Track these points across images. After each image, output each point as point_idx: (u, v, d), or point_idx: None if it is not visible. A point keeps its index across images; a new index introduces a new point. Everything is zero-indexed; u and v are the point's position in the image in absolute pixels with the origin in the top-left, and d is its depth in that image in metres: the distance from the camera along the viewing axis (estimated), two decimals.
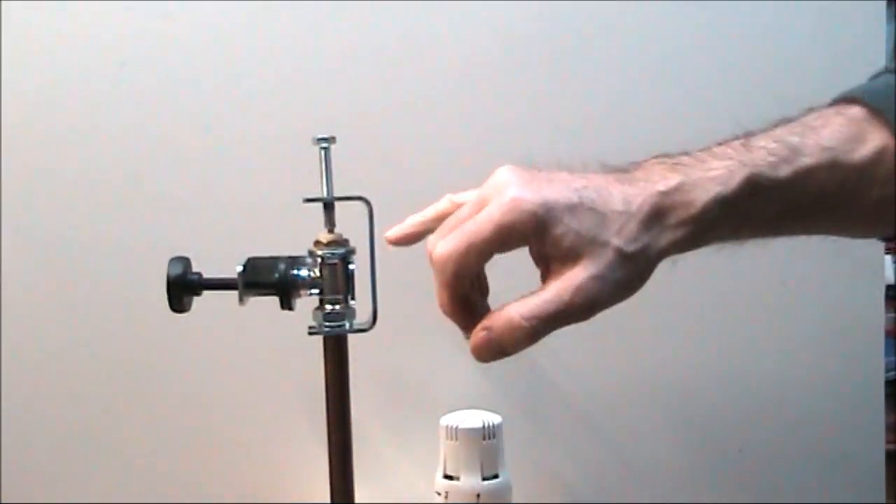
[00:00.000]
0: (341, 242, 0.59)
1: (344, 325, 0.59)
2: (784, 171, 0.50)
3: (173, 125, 0.86)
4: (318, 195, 0.59)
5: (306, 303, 0.60)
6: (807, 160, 0.50)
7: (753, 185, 0.50)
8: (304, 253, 0.59)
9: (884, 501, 0.92)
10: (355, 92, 0.86)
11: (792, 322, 0.91)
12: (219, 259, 0.57)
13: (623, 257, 0.49)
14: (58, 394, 0.88)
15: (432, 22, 0.87)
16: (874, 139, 0.50)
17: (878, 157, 0.50)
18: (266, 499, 0.88)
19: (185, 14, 0.85)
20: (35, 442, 0.88)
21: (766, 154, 0.50)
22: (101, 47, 0.86)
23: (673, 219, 0.50)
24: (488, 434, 0.77)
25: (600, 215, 0.49)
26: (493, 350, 0.50)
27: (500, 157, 0.52)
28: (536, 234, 0.49)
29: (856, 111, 0.52)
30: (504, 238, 0.49)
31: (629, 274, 0.50)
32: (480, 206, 0.50)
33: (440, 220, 0.53)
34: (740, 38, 0.88)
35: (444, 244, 0.50)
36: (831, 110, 0.52)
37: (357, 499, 0.62)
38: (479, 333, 0.50)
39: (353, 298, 0.59)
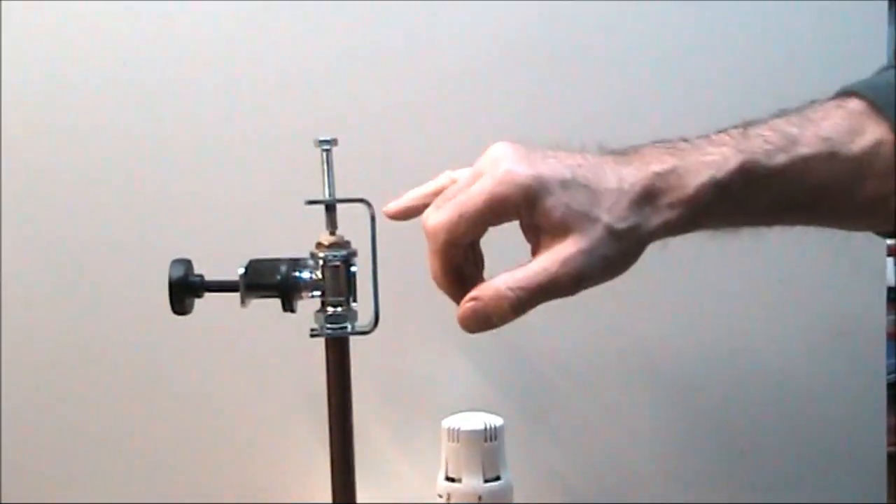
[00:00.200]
0: (343, 244, 0.59)
1: (345, 327, 0.59)
2: (779, 160, 0.50)
3: (175, 126, 0.86)
4: (320, 197, 0.59)
5: (308, 305, 0.60)
6: (803, 150, 0.50)
7: (748, 172, 0.50)
8: (305, 255, 0.59)
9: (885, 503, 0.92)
10: (357, 94, 0.86)
11: (793, 324, 0.91)
12: (220, 261, 0.57)
13: (612, 234, 0.49)
14: (58, 394, 0.88)
15: (434, 23, 0.87)
16: (873, 133, 0.51)
17: (875, 151, 0.50)
18: (268, 500, 0.88)
19: (187, 14, 0.85)
20: (35, 442, 0.88)
21: (763, 142, 0.50)
22: (103, 47, 0.86)
23: (665, 200, 0.50)
24: (490, 436, 0.77)
25: (592, 192, 0.49)
26: (480, 320, 0.51)
27: None
28: (527, 206, 0.49)
29: (855, 104, 0.52)
30: (496, 209, 0.49)
31: (618, 252, 0.50)
32: (475, 179, 0.51)
33: (438, 195, 0.53)
34: (741, 41, 0.88)
35: (437, 214, 0.51)
36: (831, 103, 0.53)
37: (359, 500, 0.62)
38: (466, 304, 0.51)
39: (354, 300, 0.59)
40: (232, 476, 0.89)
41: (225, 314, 0.62)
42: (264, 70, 0.86)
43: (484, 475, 0.77)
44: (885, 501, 0.92)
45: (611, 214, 0.49)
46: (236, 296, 0.57)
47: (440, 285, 0.53)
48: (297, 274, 0.58)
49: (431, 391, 0.88)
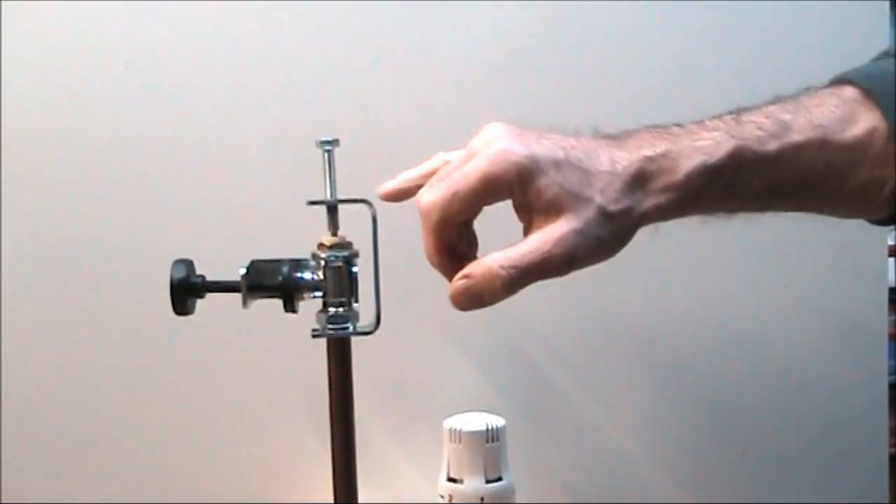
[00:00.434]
0: (345, 245, 0.59)
1: (347, 328, 0.59)
2: (772, 146, 0.50)
3: (177, 127, 0.86)
4: (322, 198, 0.59)
5: (310, 305, 0.59)
6: (796, 137, 0.51)
7: (739, 157, 0.50)
8: (307, 256, 0.59)
9: None
10: (359, 95, 0.86)
11: (794, 325, 0.91)
12: (222, 262, 0.57)
13: (605, 216, 0.49)
14: (59, 394, 0.88)
15: (436, 25, 0.87)
16: (865, 120, 0.51)
17: (868, 139, 0.51)
18: (268, 500, 0.88)
19: (189, 16, 0.85)
20: (35, 442, 0.88)
21: (756, 128, 0.51)
22: (105, 49, 0.85)
23: (657, 184, 0.50)
24: (492, 437, 0.77)
25: (585, 173, 0.50)
26: (471, 298, 0.51)
27: None
28: (521, 185, 0.49)
29: (849, 92, 0.52)
30: (489, 188, 0.50)
31: (609, 233, 0.50)
32: (469, 158, 0.51)
33: (432, 176, 0.54)
34: (741, 41, 0.88)
35: (431, 192, 0.51)
36: (826, 90, 0.53)
37: (360, 501, 0.62)
38: (457, 281, 0.51)
39: (356, 301, 0.59)
40: (233, 476, 0.89)
41: (226, 315, 0.62)
42: (266, 71, 0.86)
43: (486, 476, 0.77)
44: (886, 502, 0.92)
45: (603, 196, 0.49)
46: (238, 296, 0.57)
47: (433, 264, 0.53)
48: (298, 274, 0.58)
49: (433, 392, 0.88)
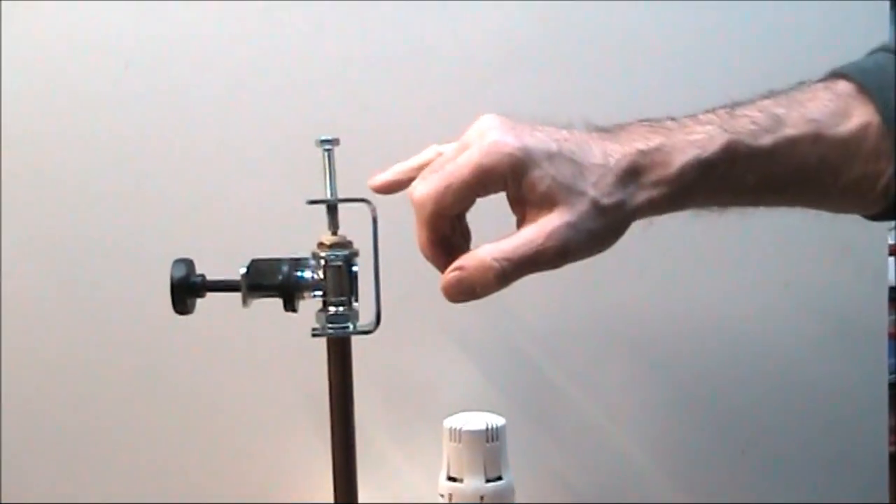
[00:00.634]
0: (345, 244, 0.59)
1: (347, 327, 0.59)
2: (765, 140, 0.50)
3: (176, 126, 0.86)
4: (322, 197, 0.59)
5: (310, 305, 0.59)
6: (789, 131, 0.51)
7: (733, 152, 0.50)
8: (307, 255, 0.59)
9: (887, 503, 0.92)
10: (359, 93, 0.86)
11: (795, 324, 0.91)
12: (222, 261, 0.57)
13: (598, 209, 0.50)
14: (59, 394, 0.88)
15: (436, 23, 0.87)
16: (859, 115, 0.51)
17: (861, 133, 0.51)
18: (268, 500, 0.88)
19: (189, 15, 0.85)
20: (35, 442, 0.88)
21: (749, 122, 0.51)
22: (105, 48, 0.85)
23: (650, 177, 0.50)
24: (492, 436, 0.77)
25: (578, 165, 0.50)
26: (464, 290, 0.51)
27: None
28: (514, 178, 0.49)
29: (843, 86, 0.52)
30: (482, 180, 0.50)
31: (602, 227, 0.50)
32: (462, 150, 0.51)
33: (425, 168, 0.54)
34: (741, 41, 0.88)
35: (424, 185, 0.51)
36: (820, 85, 0.53)
37: (360, 500, 0.62)
38: (450, 273, 0.51)
39: (356, 300, 0.59)
40: (232, 476, 0.89)
41: (226, 314, 0.62)
42: (266, 70, 0.86)
43: (486, 475, 0.77)
44: (886, 501, 0.92)
45: (596, 189, 0.50)
46: (238, 296, 0.57)
47: (427, 256, 0.54)
48: (298, 274, 0.58)
49: (433, 391, 0.88)
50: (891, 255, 1.03)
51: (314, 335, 0.59)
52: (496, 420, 0.78)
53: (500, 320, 0.89)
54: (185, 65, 0.86)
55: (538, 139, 0.50)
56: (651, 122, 0.52)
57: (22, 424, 0.88)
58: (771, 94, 0.53)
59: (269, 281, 0.58)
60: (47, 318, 0.87)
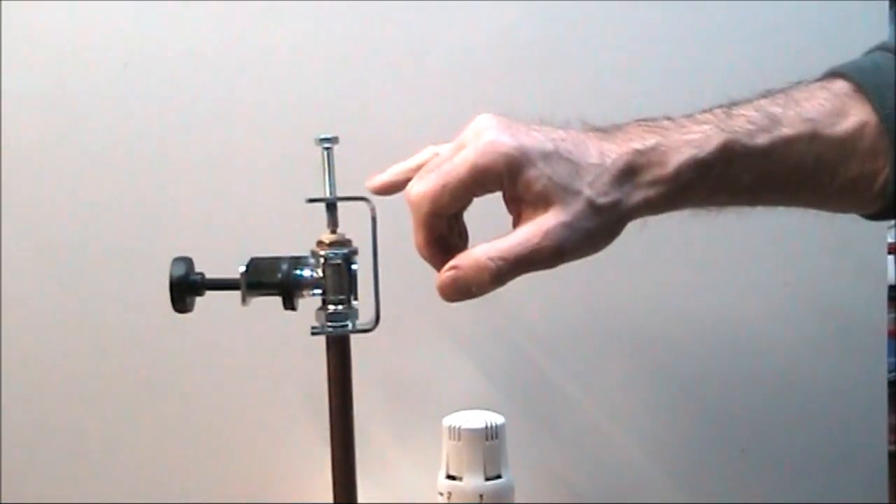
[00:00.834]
0: (344, 243, 0.59)
1: (347, 326, 0.59)
2: (761, 140, 0.50)
3: (176, 125, 0.86)
4: (321, 196, 0.59)
5: (309, 303, 0.60)
6: (786, 130, 0.51)
7: (729, 151, 0.50)
8: (306, 253, 0.59)
9: (886, 502, 0.92)
10: (358, 92, 0.86)
11: (794, 322, 0.91)
12: (222, 259, 0.58)
13: (594, 209, 0.50)
14: (58, 394, 0.88)
15: (436, 22, 0.87)
16: (856, 114, 0.51)
17: (858, 132, 0.51)
18: (268, 499, 0.88)
19: (188, 15, 0.85)
20: (35, 442, 0.88)
21: (746, 122, 0.51)
22: (104, 48, 0.85)
23: (646, 177, 0.50)
24: (491, 434, 0.77)
25: (574, 165, 0.50)
26: (459, 289, 0.51)
27: None
28: (510, 176, 0.49)
29: (840, 86, 0.52)
30: (479, 179, 0.50)
31: (598, 226, 0.50)
32: (459, 149, 0.51)
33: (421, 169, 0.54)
34: (740, 41, 0.88)
35: (421, 184, 0.51)
36: (817, 84, 0.53)
37: (359, 499, 0.62)
38: (445, 272, 0.51)
39: (355, 299, 0.60)
40: (232, 475, 0.89)
41: (226, 313, 0.62)
42: (265, 68, 0.86)
43: (485, 473, 0.77)
44: (885, 500, 0.92)
45: (592, 189, 0.50)
46: (237, 294, 0.58)
47: (423, 256, 0.54)
48: (298, 272, 0.58)
49: (432, 389, 0.88)
50: (890, 253, 1.03)
51: (313, 333, 0.59)
52: (495, 418, 0.78)
53: (500, 319, 0.89)
54: (183, 64, 0.86)
55: (534, 138, 0.50)
56: (648, 122, 0.52)
57: (22, 424, 0.88)
58: (768, 94, 0.53)
59: (269, 279, 0.58)
60: (46, 317, 0.87)
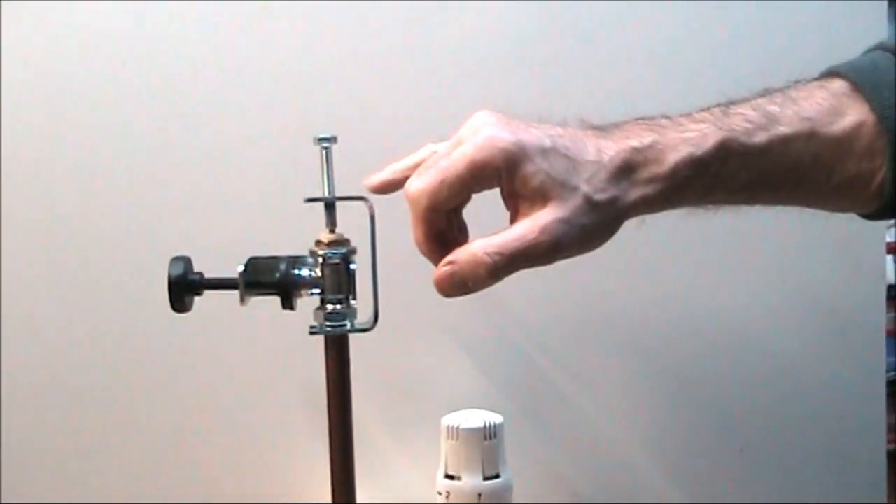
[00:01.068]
0: (342, 242, 0.59)
1: (345, 325, 0.59)
2: (759, 138, 0.51)
3: (174, 124, 0.86)
4: (320, 195, 0.59)
5: (307, 303, 0.60)
6: (783, 129, 0.51)
7: (726, 149, 0.50)
8: (305, 253, 0.59)
9: (885, 502, 0.92)
10: (357, 91, 0.86)
11: (793, 322, 0.91)
12: (220, 259, 0.57)
13: (591, 205, 0.50)
14: (58, 394, 0.88)
15: (435, 21, 0.87)
16: (853, 113, 0.51)
17: (855, 132, 0.51)
18: (267, 499, 0.88)
19: (186, 13, 0.85)
20: (35, 442, 0.88)
21: (743, 120, 0.51)
22: (103, 46, 0.85)
23: (643, 174, 0.50)
24: (489, 434, 0.77)
25: (572, 161, 0.50)
26: (456, 284, 0.51)
27: None
28: (507, 172, 0.50)
29: (838, 85, 0.52)
30: (477, 174, 0.50)
31: (595, 223, 0.50)
32: (457, 145, 0.51)
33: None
34: (741, 40, 0.88)
35: (419, 180, 0.51)
36: (815, 83, 0.54)
37: (358, 499, 0.62)
38: (442, 267, 0.51)
39: (354, 298, 0.59)
40: (230, 475, 0.89)
41: (224, 312, 0.62)
42: (264, 67, 0.86)
43: (483, 473, 0.77)
44: (884, 500, 0.92)
45: (590, 185, 0.50)
46: (235, 293, 0.57)
47: (423, 252, 0.54)
48: (296, 272, 0.58)
49: (431, 389, 0.88)
50: (889, 252, 1.03)
51: (312, 333, 0.59)
52: (494, 418, 0.78)
53: (500, 318, 0.89)
54: (181, 63, 0.86)
55: (532, 135, 0.50)
56: (646, 121, 0.53)
57: (22, 424, 0.88)
58: (766, 93, 0.53)
59: (267, 279, 0.58)
60: (45, 317, 0.87)
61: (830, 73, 0.54)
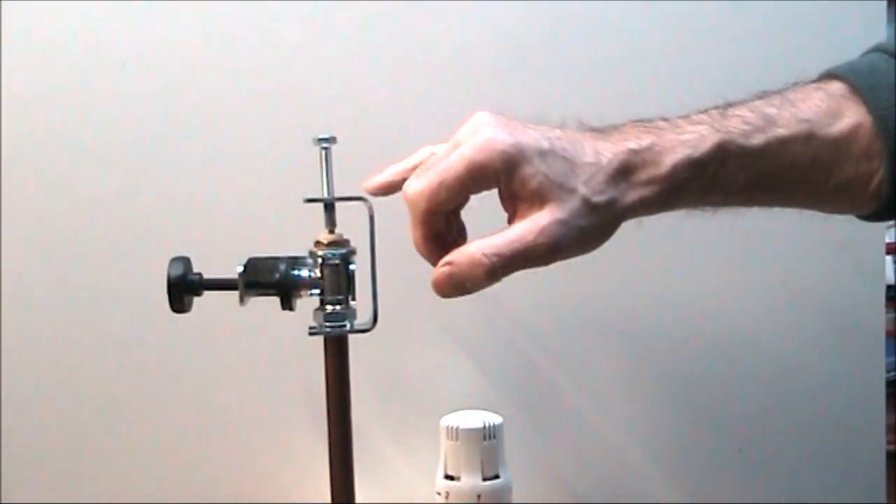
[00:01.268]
0: (342, 243, 0.59)
1: (345, 326, 0.59)
2: (757, 140, 0.51)
3: (174, 125, 0.86)
4: (319, 195, 0.59)
5: (307, 303, 0.60)
6: (781, 131, 0.51)
7: (724, 151, 0.50)
8: (304, 253, 0.59)
9: (885, 502, 0.92)
10: (356, 92, 0.86)
11: (792, 322, 0.91)
12: (219, 259, 0.57)
13: (589, 207, 0.50)
14: (58, 394, 0.88)
15: (434, 21, 0.87)
16: (851, 115, 0.51)
17: (853, 134, 0.51)
18: (266, 499, 0.88)
19: (185, 14, 0.85)
20: (35, 442, 0.88)
21: (741, 122, 0.51)
22: (102, 47, 0.86)
23: (641, 176, 0.50)
24: (489, 434, 0.77)
25: (570, 163, 0.50)
26: (453, 285, 0.51)
27: None
28: (506, 173, 0.50)
29: (836, 87, 0.52)
30: (475, 176, 0.50)
31: (593, 225, 0.50)
32: (455, 147, 0.52)
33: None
34: (739, 40, 0.88)
35: (418, 182, 0.51)
36: (812, 85, 0.54)
37: (357, 499, 0.62)
38: (440, 268, 0.52)
39: (353, 299, 0.60)
40: (230, 475, 0.89)
41: (224, 312, 0.62)
42: (264, 68, 0.86)
43: (483, 473, 0.77)
44: (884, 500, 0.92)
45: (588, 187, 0.50)
46: (235, 294, 0.58)
47: (422, 253, 0.54)
48: (295, 272, 0.58)
49: (430, 389, 0.88)
50: (888, 253, 1.03)
51: (311, 334, 0.59)
52: (493, 418, 0.78)
53: (499, 319, 0.89)
54: (181, 63, 0.86)
55: (531, 136, 0.50)
56: (644, 123, 0.53)
57: (22, 424, 0.88)
58: (763, 95, 0.53)
59: (267, 279, 0.58)
60: (45, 317, 0.87)
61: (828, 75, 0.54)
